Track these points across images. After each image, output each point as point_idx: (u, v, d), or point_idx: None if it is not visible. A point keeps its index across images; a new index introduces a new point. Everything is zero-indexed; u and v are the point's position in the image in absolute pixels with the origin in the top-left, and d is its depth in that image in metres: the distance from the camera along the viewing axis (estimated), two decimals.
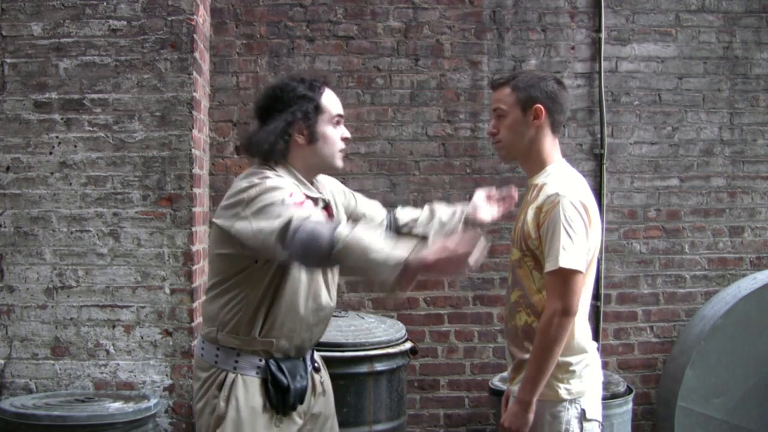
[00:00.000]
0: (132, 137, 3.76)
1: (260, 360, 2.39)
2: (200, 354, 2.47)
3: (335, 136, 2.47)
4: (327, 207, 2.54)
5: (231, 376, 2.37)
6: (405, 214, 2.84)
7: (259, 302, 2.36)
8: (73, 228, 3.74)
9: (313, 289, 2.44)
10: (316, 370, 2.57)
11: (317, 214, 2.30)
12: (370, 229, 2.12)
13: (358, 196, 2.80)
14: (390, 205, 2.93)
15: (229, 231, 2.29)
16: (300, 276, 2.39)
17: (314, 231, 2.10)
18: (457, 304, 4.46)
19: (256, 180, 2.31)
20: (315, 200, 2.44)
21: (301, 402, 2.43)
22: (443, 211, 2.81)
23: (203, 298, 2.52)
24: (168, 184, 3.76)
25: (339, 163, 2.50)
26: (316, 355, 2.63)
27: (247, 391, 2.36)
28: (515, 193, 2.85)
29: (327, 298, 2.50)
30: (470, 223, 2.73)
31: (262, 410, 2.36)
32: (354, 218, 2.69)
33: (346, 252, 2.06)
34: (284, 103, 2.43)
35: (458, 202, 2.97)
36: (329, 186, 2.65)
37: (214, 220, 2.42)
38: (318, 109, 2.44)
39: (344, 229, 2.09)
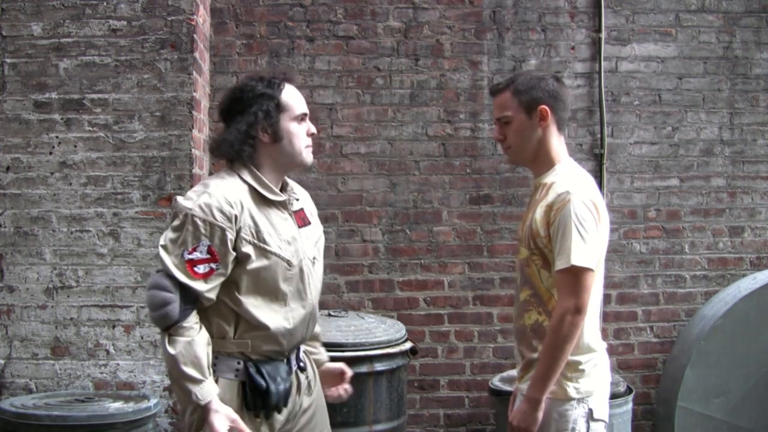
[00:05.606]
0: (132, 137, 3.76)
1: (238, 363, 2.36)
2: None
3: (300, 132, 2.44)
4: (300, 211, 2.52)
5: None
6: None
7: (228, 304, 2.34)
8: (73, 228, 3.74)
9: (291, 289, 2.40)
10: (302, 369, 2.53)
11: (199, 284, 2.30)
12: (200, 345, 2.26)
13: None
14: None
15: None
16: (271, 278, 2.36)
17: (166, 305, 2.25)
18: (457, 304, 4.46)
19: (189, 201, 2.41)
20: (282, 203, 2.43)
21: (285, 404, 2.41)
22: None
23: None
24: (168, 184, 3.76)
25: (307, 159, 2.48)
26: (302, 354, 2.59)
27: (224, 393, 2.33)
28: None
29: (305, 298, 2.45)
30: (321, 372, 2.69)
31: (238, 412, 2.33)
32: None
33: (174, 342, 2.24)
34: (245, 104, 2.40)
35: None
36: (307, 200, 2.63)
37: None
38: (279, 107, 2.41)
39: (188, 325, 2.26)
